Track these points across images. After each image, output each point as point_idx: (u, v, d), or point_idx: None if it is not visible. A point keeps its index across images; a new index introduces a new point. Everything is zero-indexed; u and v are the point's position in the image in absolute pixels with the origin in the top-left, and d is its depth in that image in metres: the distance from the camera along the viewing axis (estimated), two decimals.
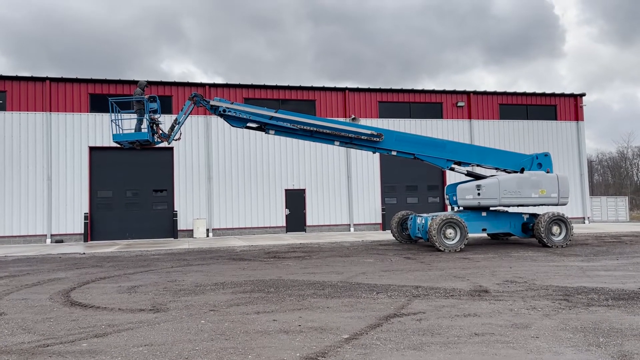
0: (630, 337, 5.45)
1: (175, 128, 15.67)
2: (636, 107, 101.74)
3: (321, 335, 5.72)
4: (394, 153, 16.98)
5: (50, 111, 23.38)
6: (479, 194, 16.35)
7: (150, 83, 24.44)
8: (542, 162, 17.33)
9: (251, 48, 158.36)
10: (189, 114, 16.03)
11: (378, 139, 16.48)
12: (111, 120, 15.97)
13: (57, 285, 10.00)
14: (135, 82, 24.36)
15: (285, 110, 25.55)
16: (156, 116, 15.57)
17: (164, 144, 16.53)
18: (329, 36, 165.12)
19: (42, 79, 23.46)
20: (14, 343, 5.68)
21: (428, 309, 7.04)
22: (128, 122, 17.52)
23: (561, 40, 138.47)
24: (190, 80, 38.43)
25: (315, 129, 16.16)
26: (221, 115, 15.86)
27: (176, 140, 16.12)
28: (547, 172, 17.04)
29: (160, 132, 15.66)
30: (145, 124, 15.51)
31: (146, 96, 15.43)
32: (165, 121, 20.00)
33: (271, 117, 15.94)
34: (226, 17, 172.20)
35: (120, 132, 16.02)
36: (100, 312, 7.26)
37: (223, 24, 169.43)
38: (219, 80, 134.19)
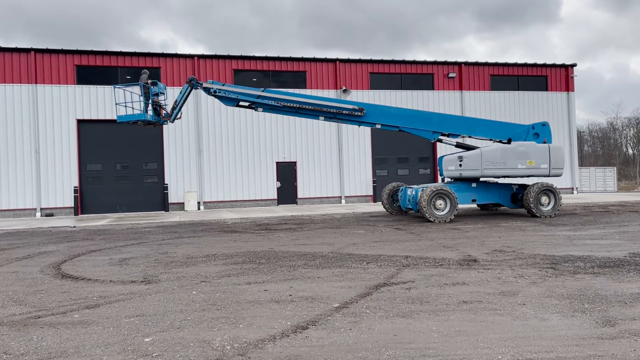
0: (614, 303, 5.57)
1: (175, 109, 16.65)
2: (627, 77, 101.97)
3: (312, 305, 5.78)
4: (378, 126, 16.99)
5: (36, 83, 22.96)
6: (460, 165, 16.37)
7: (138, 54, 24.17)
8: (539, 132, 17.07)
9: (234, 14, 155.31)
10: (187, 96, 16.69)
11: (360, 114, 16.53)
12: (116, 104, 17.58)
13: (47, 258, 9.99)
14: (122, 54, 24.00)
15: (275, 81, 25.49)
16: (159, 98, 16.60)
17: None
18: (316, 1, 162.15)
19: (27, 50, 22.94)
20: (5, 315, 5.69)
21: (417, 278, 7.12)
22: (134, 101, 18.41)
23: (557, 5, 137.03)
24: (175, 51, 37.67)
25: (298, 105, 16.46)
26: (214, 96, 16.54)
27: (178, 119, 17.18)
28: (544, 142, 16.80)
29: (164, 112, 16.71)
30: (150, 107, 16.68)
31: (149, 82, 16.43)
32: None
33: (258, 96, 16.37)
34: None
35: (132, 112, 16.99)
36: (92, 284, 7.27)
37: None
38: (200, 48, 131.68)
